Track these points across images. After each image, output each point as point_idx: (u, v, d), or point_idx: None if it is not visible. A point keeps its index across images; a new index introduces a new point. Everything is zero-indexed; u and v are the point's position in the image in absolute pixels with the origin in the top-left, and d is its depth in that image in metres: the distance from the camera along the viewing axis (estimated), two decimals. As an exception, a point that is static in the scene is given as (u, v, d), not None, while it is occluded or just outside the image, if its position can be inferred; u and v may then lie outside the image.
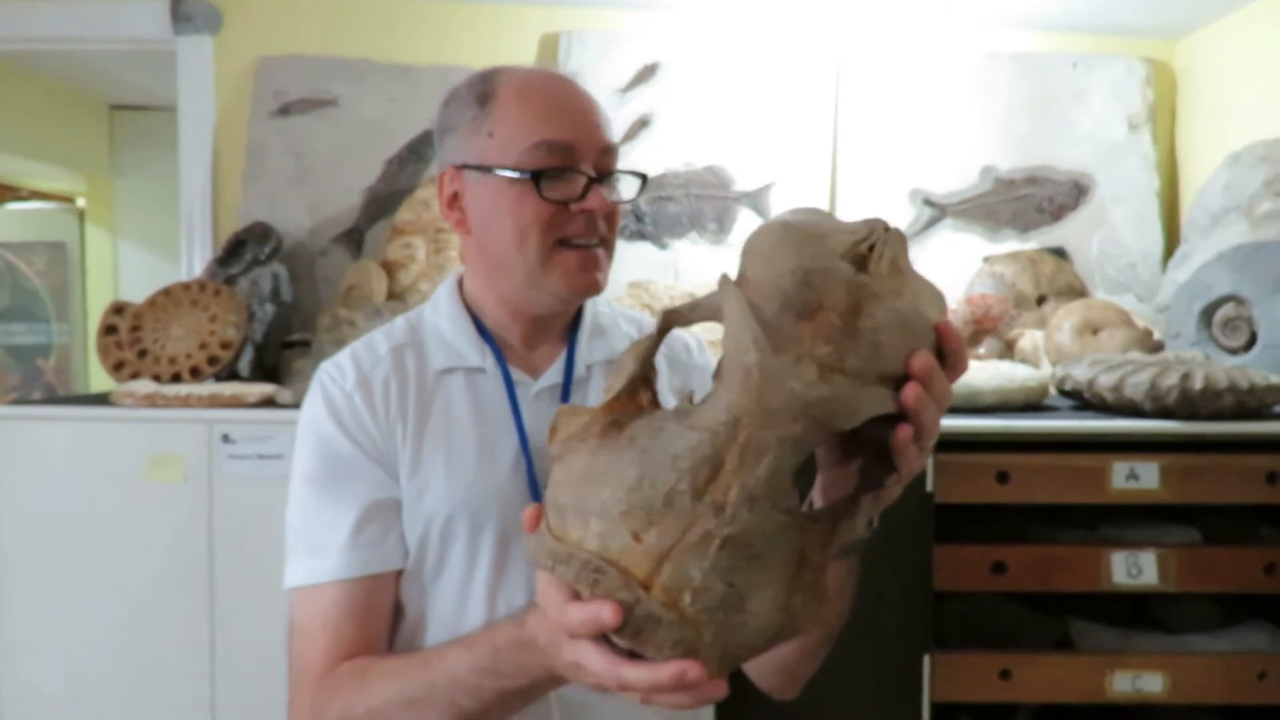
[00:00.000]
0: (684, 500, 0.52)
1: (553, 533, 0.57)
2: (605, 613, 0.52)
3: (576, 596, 0.55)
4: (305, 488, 0.84)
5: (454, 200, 0.88)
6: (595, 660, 0.55)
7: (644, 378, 0.61)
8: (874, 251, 0.56)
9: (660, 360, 0.97)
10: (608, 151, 0.85)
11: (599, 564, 0.53)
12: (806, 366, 0.52)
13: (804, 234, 0.55)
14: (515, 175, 0.82)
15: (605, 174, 0.85)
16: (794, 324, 0.53)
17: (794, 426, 0.52)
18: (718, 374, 0.56)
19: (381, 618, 0.82)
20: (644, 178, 0.91)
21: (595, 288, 0.86)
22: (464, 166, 0.86)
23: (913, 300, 0.56)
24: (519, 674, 0.67)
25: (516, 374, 0.89)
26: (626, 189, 0.92)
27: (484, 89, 0.85)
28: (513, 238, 0.83)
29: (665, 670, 0.52)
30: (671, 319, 0.60)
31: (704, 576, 0.52)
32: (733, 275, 0.57)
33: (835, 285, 0.54)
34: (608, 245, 0.87)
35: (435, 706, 0.71)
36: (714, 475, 0.52)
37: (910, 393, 0.55)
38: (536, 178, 0.81)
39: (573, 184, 0.83)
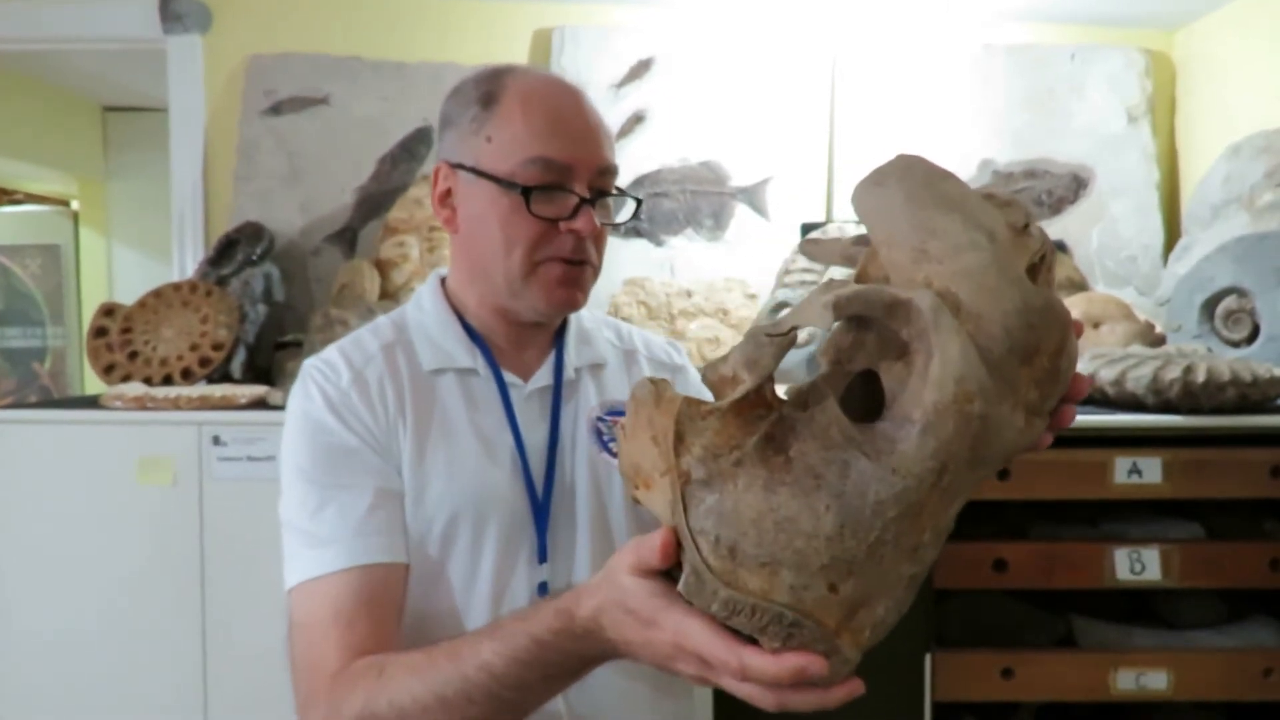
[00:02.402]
0: (887, 549, 0.50)
1: (717, 575, 0.51)
2: (815, 666, 0.50)
3: (736, 634, 0.52)
4: (303, 483, 0.82)
5: (446, 196, 0.87)
6: (754, 693, 0.54)
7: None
8: (1044, 262, 0.55)
9: (642, 361, 0.97)
10: (606, 172, 0.85)
11: (795, 618, 0.50)
12: (1018, 414, 0.51)
13: (1009, 252, 0.53)
14: (507, 187, 0.81)
15: (600, 194, 0.85)
16: (1015, 369, 0.51)
17: (992, 469, 0.52)
18: (896, 395, 0.52)
19: (394, 613, 0.79)
20: (639, 201, 0.91)
21: (574, 304, 0.87)
22: (459, 166, 0.85)
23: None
24: (570, 659, 0.65)
25: (507, 376, 0.88)
26: (619, 205, 0.92)
27: (489, 89, 0.84)
28: (499, 247, 0.83)
29: (836, 694, 0.53)
30: (840, 311, 0.53)
31: (886, 613, 0.52)
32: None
33: (1053, 327, 0.52)
34: (593, 266, 0.87)
35: (472, 702, 0.67)
36: (914, 520, 0.50)
37: (1068, 416, 0.56)
38: (527, 193, 0.81)
39: (564, 203, 0.82)
